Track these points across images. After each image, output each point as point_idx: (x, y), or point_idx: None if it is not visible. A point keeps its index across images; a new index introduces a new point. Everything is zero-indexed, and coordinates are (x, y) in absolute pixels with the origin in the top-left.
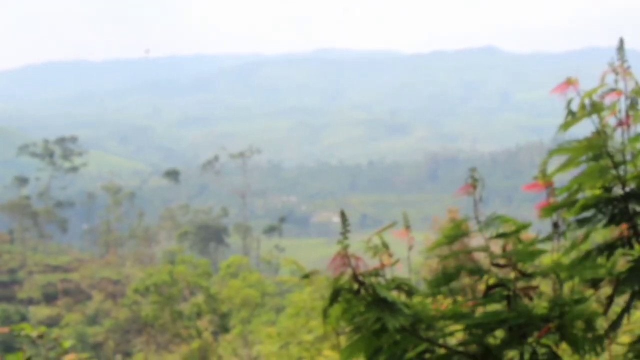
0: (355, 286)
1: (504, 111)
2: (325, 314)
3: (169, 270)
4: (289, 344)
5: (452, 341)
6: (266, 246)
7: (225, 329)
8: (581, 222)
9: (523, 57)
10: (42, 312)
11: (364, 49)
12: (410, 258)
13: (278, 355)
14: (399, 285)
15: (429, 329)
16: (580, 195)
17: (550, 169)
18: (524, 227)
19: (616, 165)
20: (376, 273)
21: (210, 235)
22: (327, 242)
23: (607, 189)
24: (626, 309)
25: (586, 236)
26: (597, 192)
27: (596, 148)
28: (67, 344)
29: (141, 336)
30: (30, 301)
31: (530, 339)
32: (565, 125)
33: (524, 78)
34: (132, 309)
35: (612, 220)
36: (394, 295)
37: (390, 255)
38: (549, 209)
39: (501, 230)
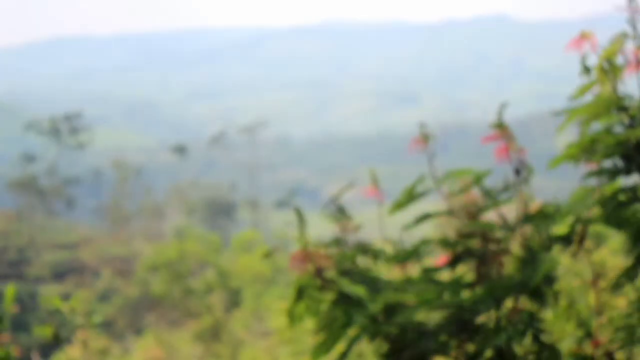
0: (319, 283)
1: (516, 80)
2: (290, 313)
3: (179, 246)
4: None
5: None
6: (276, 221)
7: (236, 305)
8: (597, 173)
9: (535, 25)
10: (51, 290)
11: (372, 19)
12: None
13: (291, 329)
14: (364, 250)
15: (399, 314)
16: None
17: (564, 136)
18: (484, 174)
19: (633, 118)
20: (337, 242)
21: (219, 210)
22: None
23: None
24: (637, 262)
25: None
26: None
27: (611, 103)
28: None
29: (152, 313)
30: (39, 279)
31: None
32: (582, 89)
33: (537, 46)
34: (142, 286)
35: (624, 172)
36: (360, 289)
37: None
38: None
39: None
